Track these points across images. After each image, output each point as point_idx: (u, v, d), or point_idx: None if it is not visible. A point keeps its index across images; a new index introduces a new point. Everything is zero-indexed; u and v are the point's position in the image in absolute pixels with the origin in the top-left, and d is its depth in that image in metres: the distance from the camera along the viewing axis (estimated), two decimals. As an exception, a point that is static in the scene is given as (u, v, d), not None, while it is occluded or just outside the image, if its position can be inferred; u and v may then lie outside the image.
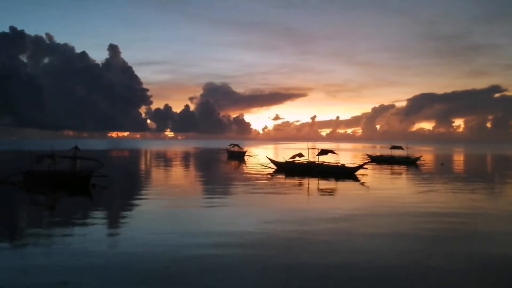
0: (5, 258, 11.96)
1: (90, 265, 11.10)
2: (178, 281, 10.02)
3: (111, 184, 30.04)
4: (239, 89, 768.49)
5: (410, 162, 60.86)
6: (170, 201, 23.34)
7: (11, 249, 13.23)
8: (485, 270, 11.14)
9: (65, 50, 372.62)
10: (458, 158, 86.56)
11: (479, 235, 15.39)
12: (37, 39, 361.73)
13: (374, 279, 10.26)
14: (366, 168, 42.81)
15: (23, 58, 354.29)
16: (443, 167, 55.51)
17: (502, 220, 18.39)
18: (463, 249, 13.29)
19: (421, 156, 66.42)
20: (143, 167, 55.55)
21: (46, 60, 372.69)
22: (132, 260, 11.65)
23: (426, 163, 61.85)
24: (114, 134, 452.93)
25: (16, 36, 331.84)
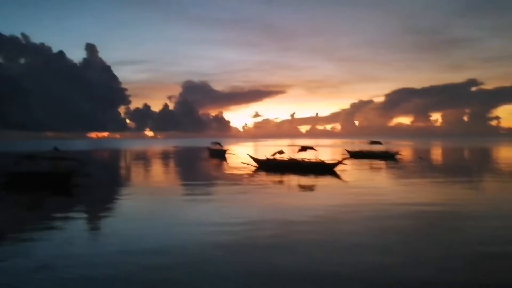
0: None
1: (72, 263, 11.25)
2: (157, 277, 10.18)
3: (92, 184, 30.09)
4: (219, 87, 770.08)
5: (389, 157, 61.84)
6: (150, 199, 23.59)
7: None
8: (464, 260, 11.48)
9: (42, 50, 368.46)
10: (436, 152, 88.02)
11: (457, 227, 15.82)
12: (13, 39, 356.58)
13: (356, 274, 10.52)
14: (346, 164, 43.40)
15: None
16: (421, 161, 56.52)
17: (478, 212, 18.90)
18: (441, 241, 13.72)
19: (400, 150, 67.52)
20: (123, 166, 55.42)
21: (22, 61, 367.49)
22: (112, 257, 11.81)
23: (405, 158, 62.93)
24: (93, 135, 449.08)
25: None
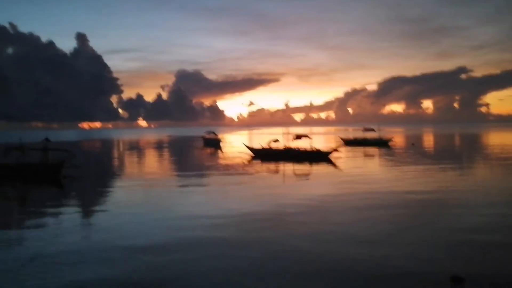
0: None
1: (63, 253, 11.29)
2: (149, 271, 10.08)
3: (83, 174, 30.05)
4: (212, 75, 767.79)
5: (382, 144, 62.48)
6: (143, 191, 23.27)
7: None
8: (453, 246, 11.86)
9: (31, 40, 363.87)
10: (428, 138, 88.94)
11: (448, 215, 16.21)
12: (0, 29, 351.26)
13: (347, 266, 10.78)
14: (340, 151, 43.80)
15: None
16: (414, 147, 57.20)
17: (470, 199, 19.35)
18: (431, 225, 14.13)
19: (393, 137, 68.14)
20: (115, 156, 55.36)
21: (10, 50, 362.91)
22: (103, 250, 11.66)
23: (398, 144, 63.59)
24: (85, 125, 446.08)
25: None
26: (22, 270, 10.20)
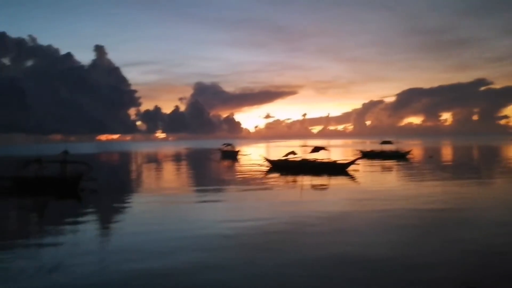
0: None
1: (79, 274, 11.04)
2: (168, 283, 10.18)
3: (101, 187, 30.21)
4: (229, 88, 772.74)
5: (400, 156, 62.03)
6: (161, 203, 23.40)
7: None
8: (475, 261, 11.77)
9: (49, 52, 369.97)
10: (446, 151, 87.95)
11: (469, 225, 16.08)
12: (20, 41, 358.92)
13: (370, 272, 10.86)
14: (358, 164, 43.68)
15: (5, 61, 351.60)
16: (432, 160, 56.68)
17: (490, 210, 19.17)
18: (453, 239, 14.01)
19: (411, 150, 67.67)
20: (133, 169, 55.66)
21: (29, 63, 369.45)
22: (120, 263, 11.81)
23: (416, 157, 63.09)
24: (103, 137, 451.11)
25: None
26: (44, 278, 10.68)
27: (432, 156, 65.77)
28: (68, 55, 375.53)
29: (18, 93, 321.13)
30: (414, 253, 12.26)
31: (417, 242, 13.58)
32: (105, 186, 31.67)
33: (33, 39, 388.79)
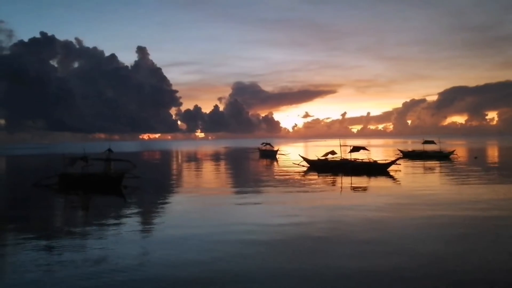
0: (42, 256, 12.66)
1: (122, 266, 11.48)
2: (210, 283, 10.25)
3: (143, 185, 30.88)
4: (268, 87, 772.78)
5: (443, 157, 60.44)
6: (201, 202, 23.68)
7: (48, 248, 13.80)
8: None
9: (94, 54, 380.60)
10: (492, 151, 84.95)
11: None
12: (67, 44, 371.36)
13: (412, 279, 10.69)
14: (399, 164, 42.86)
15: (54, 63, 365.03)
16: (477, 161, 54.87)
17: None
18: (499, 244, 13.56)
19: (454, 150, 65.74)
20: (174, 167, 56.66)
21: (76, 64, 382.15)
22: (162, 261, 11.99)
23: (459, 157, 61.25)
24: (145, 136, 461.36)
25: (46, 41, 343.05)
26: (90, 268, 11.31)
27: (477, 157, 63.66)
28: (113, 57, 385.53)
29: (66, 94, 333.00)
30: (463, 267, 11.30)
31: (465, 253, 12.49)
32: (147, 184, 32.23)
33: (80, 42, 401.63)
